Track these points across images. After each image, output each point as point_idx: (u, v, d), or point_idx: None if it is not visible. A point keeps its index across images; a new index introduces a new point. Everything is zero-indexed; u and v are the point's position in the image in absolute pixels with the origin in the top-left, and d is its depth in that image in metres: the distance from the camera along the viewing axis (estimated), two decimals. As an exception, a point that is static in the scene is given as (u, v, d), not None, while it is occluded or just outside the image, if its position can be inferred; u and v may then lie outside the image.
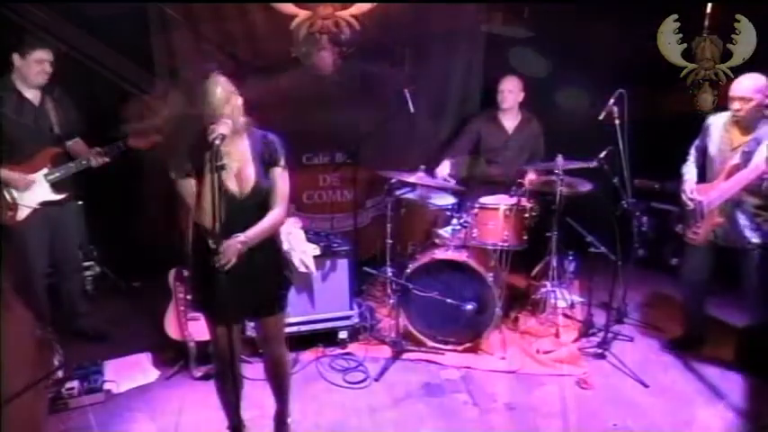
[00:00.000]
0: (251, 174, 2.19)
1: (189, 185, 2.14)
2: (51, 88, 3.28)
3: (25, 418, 2.05)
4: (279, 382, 2.57)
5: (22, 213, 3.19)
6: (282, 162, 2.26)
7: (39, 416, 2.36)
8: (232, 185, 2.15)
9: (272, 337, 2.44)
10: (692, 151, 3.35)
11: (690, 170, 3.32)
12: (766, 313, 3.15)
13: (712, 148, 3.19)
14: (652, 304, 4.19)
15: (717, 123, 3.18)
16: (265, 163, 2.22)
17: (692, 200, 3.21)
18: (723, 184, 3.04)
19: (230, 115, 2.09)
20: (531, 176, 3.93)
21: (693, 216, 3.21)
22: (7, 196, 3.15)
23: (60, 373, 3.00)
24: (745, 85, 2.97)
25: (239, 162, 2.19)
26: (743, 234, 3.08)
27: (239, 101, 2.15)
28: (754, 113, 2.98)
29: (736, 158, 3.00)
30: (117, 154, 3.31)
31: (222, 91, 2.08)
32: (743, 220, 3.07)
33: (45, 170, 3.23)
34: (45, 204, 3.25)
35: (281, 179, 2.25)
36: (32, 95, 3.22)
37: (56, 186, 3.27)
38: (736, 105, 3.00)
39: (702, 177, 3.25)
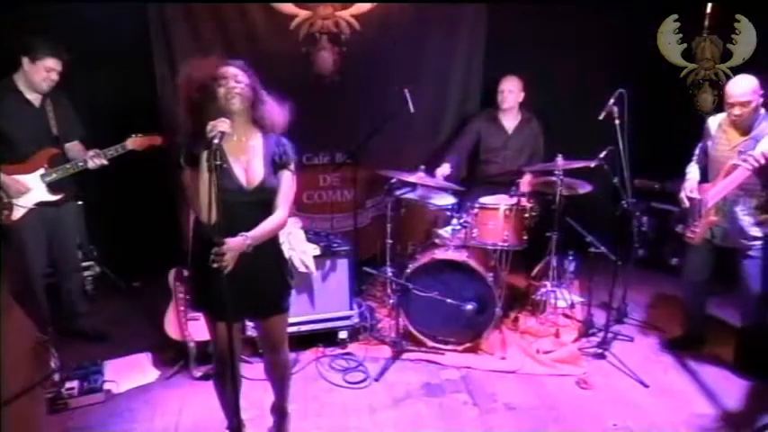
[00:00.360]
0: (259, 169, 2.18)
1: (188, 174, 2.14)
2: (51, 92, 3.26)
3: (22, 422, 2.04)
4: (280, 382, 2.58)
5: (18, 213, 3.18)
6: (292, 167, 2.26)
7: (36, 420, 2.35)
8: (240, 178, 2.16)
9: (275, 338, 2.44)
10: (697, 152, 3.35)
11: (692, 170, 3.33)
12: (760, 314, 3.15)
13: (712, 149, 3.20)
14: (652, 304, 4.19)
15: (715, 124, 3.19)
16: (275, 164, 2.22)
17: (690, 199, 3.21)
18: (719, 183, 3.05)
19: (238, 110, 2.10)
20: (527, 179, 3.92)
21: (692, 215, 3.22)
22: (3, 196, 3.14)
23: (57, 377, 3.00)
24: (743, 89, 2.97)
25: (249, 156, 2.19)
26: (740, 234, 3.08)
27: (254, 97, 2.16)
28: (752, 114, 2.99)
29: (734, 158, 3.00)
30: (116, 156, 3.29)
31: (236, 84, 2.09)
32: (740, 219, 3.08)
33: (42, 170, 3.22)
34: (41, 205, 3.24)
35: (289, 183, 2.25)
36: (33, 97, 3.22)
37: (52, 187, 3.25)
38: (736, 111, 2.99)
39: (706, 178, 3.25)
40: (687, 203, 3.23)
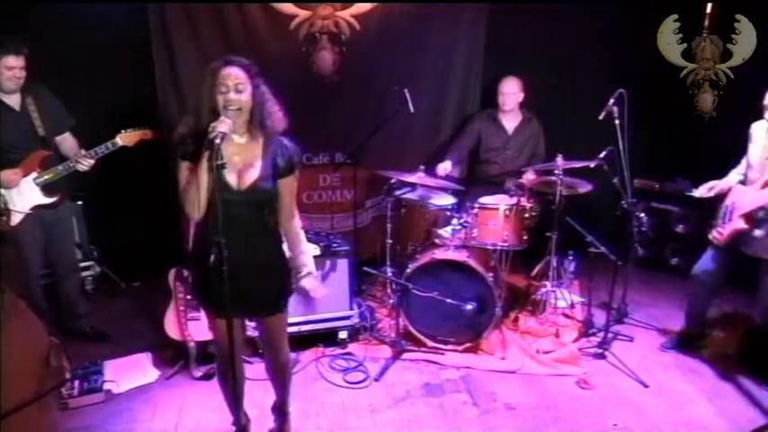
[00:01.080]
0: (254, 172, 2.17)
1: (186, 169, 2.13)
2: (30, 88, 3.19)
3: (31, 429, 2.03)
4: (281, 382, 2.58)
5: (16, 219, 3.16)
6: (297, 172, 2.26)
7: (46, 428, 2.34)
8: (231, 179, 2.14)
9: (274, 337, 2.44)
10: (744, 159, 3.24)
11: (733, 173, 3.26)
12: None
13: (751, 153, 3.14)
14: (652, 304, 4.19)
15: (758, 128, 3.13)
16: (278, 168, 2.20)
17: (722, 200, 3.15)
18: (756, 194, 3.00)
19: (240, 108, 2.09)
20: (529, 176, 3.92)
21: (722, 217, 3.17)
22: (1, 202, 3.11)
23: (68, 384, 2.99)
24: None
25: (245, 157, 2.17)
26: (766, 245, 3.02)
27: (257, 98, 2.15)
28: None
29: None
30: (108, 154, 3.24)
31: (236, 82, 2.08)
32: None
33: (34, 174, 3.18)
34: (37, 208, 3.21)
35: (294, 187, 2.28)
36: (12, 101, 3.15)
37: (47, 189, 3.22)
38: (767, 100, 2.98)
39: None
40: (708, 193, 3.17)
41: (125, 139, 3.24)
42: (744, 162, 3.23)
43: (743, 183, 3.18)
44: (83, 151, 3.22)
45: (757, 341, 3.23)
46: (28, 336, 2.15)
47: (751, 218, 3.02)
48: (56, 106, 3.32)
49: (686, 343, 3.50)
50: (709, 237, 3.23)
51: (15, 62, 3.06)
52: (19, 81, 3.11)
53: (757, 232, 3.02)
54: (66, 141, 3.33)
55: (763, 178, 3.00)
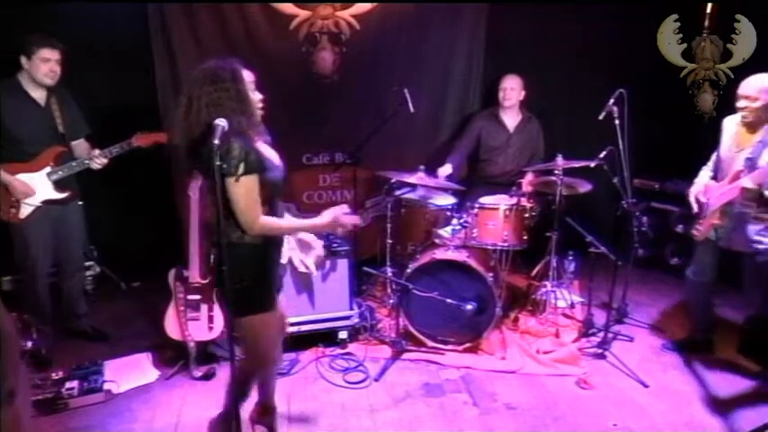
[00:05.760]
0: None
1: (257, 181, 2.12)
2: (56, 88, 3.26)
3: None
4: (259, 383, 2.57)
5: (25, 211, 3.19)
6: None
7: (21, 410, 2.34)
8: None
9: (244, 339, 2.36)
10: (714, 154, 3.29)
11: (702, 173, 3.30)
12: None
13: (722, 149, 3.17)
14: (652, 304, 4.19)
15: (729, 124, 3.16)
16: None
17: (697, 201, 3.21)
18: (724, 188, 3.03)
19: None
20: (528, 178, 3.92)
21: (698, 214, 3.21)
22: (10, 194, 3.14)
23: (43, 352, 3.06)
24: (752, 84, 2.95)
25: None
26: (746, 238, 3.04)
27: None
28: (759, 114, 2.95)
29: (740, 163, 2.98)
30: (121, 154, 3.29)
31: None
32: (746, 224, 3.03)
33: (48, 168, 3.23)
34: (48, 203, 3.25)
35: None
36: (38, 95, 3.21)
37: (58, 185, 3.26)
38: (741, 103, 2.99)
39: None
40: (695, 207, 3.21)
41: (140, 140, 3.28)
42: (713, 158, 3.27)
43: (714, 178, 3.21)
44: (97, 150, 3.28)
45: (758, 330, 3.22)
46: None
47: (723, 213, 3.07)
48: (76, 111, 3.39)
49: (692, 346, 3.48)
50: (690, 234, 3.26)
51: (50, 54, 3.12)
52: (56, 75, 3.17)
53: (730, 226, 3.08)
54: (80, 147, 3.39)
55: (732, 173, 3.03)
